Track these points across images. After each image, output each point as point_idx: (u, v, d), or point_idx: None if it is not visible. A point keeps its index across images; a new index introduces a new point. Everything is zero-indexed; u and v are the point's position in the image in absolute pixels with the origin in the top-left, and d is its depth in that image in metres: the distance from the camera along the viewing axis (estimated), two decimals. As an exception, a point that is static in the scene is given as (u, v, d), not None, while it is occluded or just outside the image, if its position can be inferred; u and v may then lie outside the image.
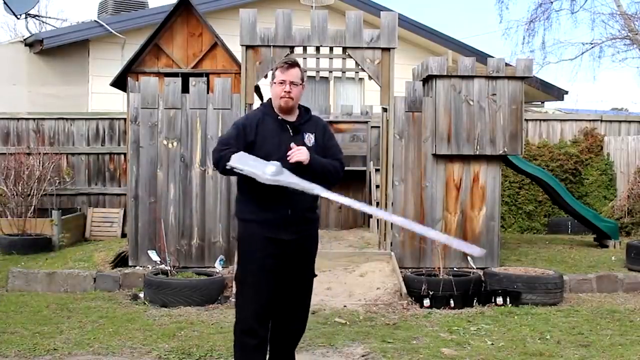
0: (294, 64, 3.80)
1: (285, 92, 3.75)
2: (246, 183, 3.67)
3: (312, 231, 3.94)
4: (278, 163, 3.56)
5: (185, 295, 6.35)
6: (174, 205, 7.53)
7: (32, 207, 9.13)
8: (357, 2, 12.57)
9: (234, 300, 4.53)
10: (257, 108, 3.96)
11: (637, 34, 13.09)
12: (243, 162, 3.55)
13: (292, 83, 3.76)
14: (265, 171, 3.51)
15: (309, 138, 3.82)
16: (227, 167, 3.59)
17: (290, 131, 3.78)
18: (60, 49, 11.77)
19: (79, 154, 10.26)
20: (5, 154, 9.70)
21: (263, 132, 3.75)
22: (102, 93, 11.26)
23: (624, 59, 14.12)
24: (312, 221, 3.93)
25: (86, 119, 10.38)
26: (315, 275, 4.02)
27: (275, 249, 3.73)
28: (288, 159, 3.64)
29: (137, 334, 5.34)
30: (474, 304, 6.48)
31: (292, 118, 3.83)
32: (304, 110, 3.93)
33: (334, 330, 5.50)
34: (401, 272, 6.96)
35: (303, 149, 3.69)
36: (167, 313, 6.06)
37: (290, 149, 3.69)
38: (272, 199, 3.69)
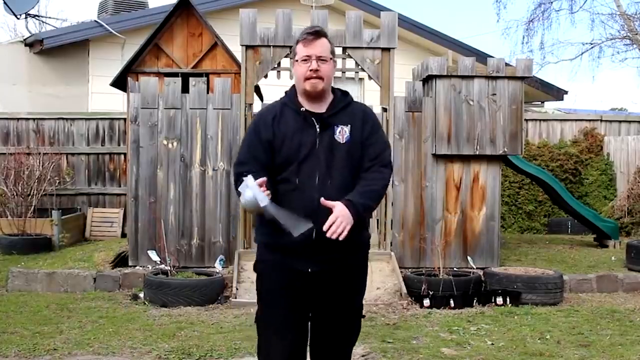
0: (319, 34, 2.92)
1: (311, 70, 2.87)
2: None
3: (353, 259, 3.00)
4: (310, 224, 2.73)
5: (185, 295, 6.35)
6: (174, 205, 7.53)
7: (32, 207, 9.13)
8: (357, 2, 12.56)
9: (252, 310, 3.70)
10: (274, 101, 3.10)
11: (636, 34, 13.09)
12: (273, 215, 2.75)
13: (319, 58, 2.89)
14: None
15: (342, 132, 2.91)
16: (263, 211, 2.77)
17: (317, 126, 2.89)
18: (60, 49, 11.76)
19: (79, 154, 10.26)
20: (5, 154, 9.70)
21: (281, 130, 2.91)
22: (102, 93, 11.25)
23: (624, 59, 14.12)
24: (353, 246, 2.94)
25: (86, 119, 10.38)
26: (363, 317, 3.15)
27: (295, 281, 2.92)
28: (328, 235, 2.75)
29: (137, 334, 5.34)
30: (474, 304, 6.48)
31: (322, 107, 2.94)
32: (341, 95, 3.03)
33: (334, 330, 5.49)
34: (401, 272, 6.96)
35: (340, 213, 2.75)
36: (167, 313, 6.06)
37: (314, 151, 2.84)
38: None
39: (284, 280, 2.92)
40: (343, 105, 2.98)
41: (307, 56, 2.89)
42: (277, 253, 2.92)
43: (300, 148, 2.86)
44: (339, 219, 2.74)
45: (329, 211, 2.75)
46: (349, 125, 2.93)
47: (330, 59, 2.95)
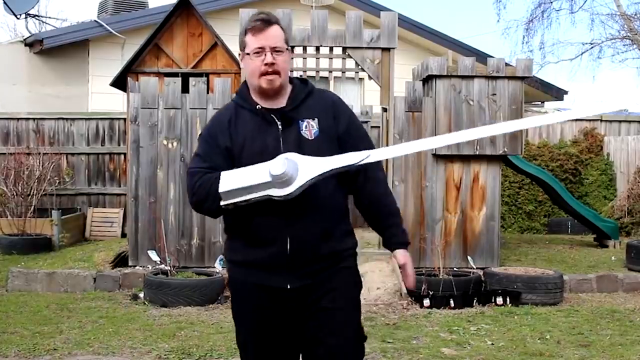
0: (270, 21, 2.50)
1: (266, 65, 2.45)
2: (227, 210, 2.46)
3: (338, 271, 2.54)
4: (281, 158, 2.32)
5: (185, 295, 6.35)
6: (174, 205, 7.53)
7: (32, 207, 9.13)
8: (357, 2, 12.56)
9: None
10: (226, 104, 2.68)
11: (636, 34, 13.09)
12: (235, 187, 2.34)
13: (274, 50, 2.47)
14: (273, 170, 2.29)
15: (309, 127, 2.50)
16: (225, 207, 2.39)
17: (279, 124, 2.49)
18: (60, 49, 11.76)
19: (79, 154, 10.26)
20: (5, 154, 9.70)
21: (239, 134, 2.50)
22: (102, 93, 11.24)
23: (624, 60, 14.11)
24: (335, 256, 2.53)
25: (86, 119, 10.38)
26: (365, 339, 2.68)
27: (275, 302, 2.50)
28: (409, 285, 2.70)
29: (137, 334, 5.34)
30: (474, 304, 6.47)
31: (282, 102, 2.53)
32: (300, 84, 2.59)
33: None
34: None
35: (406, 260, 2.70)
36: (167, 313, 6.06)
37: (279, 153, 2.38)
38: (262, 226, 2.44)
39: (262, 301, 2.49)
40: (304, 95, 2.56)
41: (260, 48, 2.46)
42: (250, 269, 2.50)
43: (262, 152, 2.43)
44: (410, 266, 2.71)
45: (304, 219, 2.42)
46: (316, 119, 2.52)
47: (286, 49, 2.52)
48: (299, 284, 2.46)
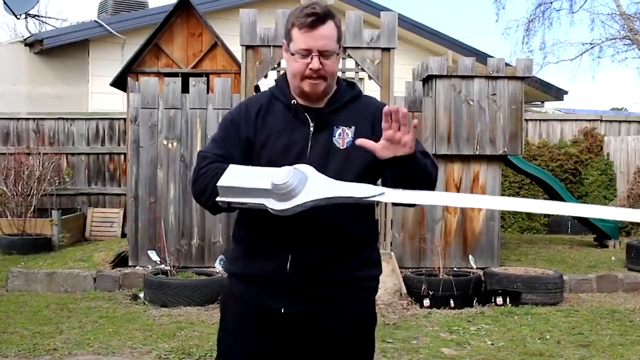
0: (323, 18, 2.13)
1: (311, 70, 2.14)
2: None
3: (348, 305, 2.20)
4: (291, 167, 2.01)
5: (185, 295, 6.35)
6: (174, 205, 7.53)
7: (32, 207, 9.13)
8: (357, 2, 12.55)
9: None
10: (262, 91, 2.40)
11: (636, 34, 13.09)
12: (234, 185, 2.07)
13: (322, 54, 2.14)
14: (275, 178, 1.99)
15: (343, 135, 2.19)
16: (220, 203, 2.10)
17: (312, 124, 2.19)
18: (60, 49, 11.76)
19: (79, 154, 10.27)
20: (5, 154, 9.70)
21: (266, 126, 2.22)
22: (102, 93, 11.25)
23: (624, 59, 14.13)
24: (346, 285, 2.20)
25: (86, 119, 10.38)
26: None
27: (266, 323, 2.20)
28: (399, 147, 2.01)
29: (137, 334, 5.34)
30: (474, 304, 6.47)
31: (321, 103, 2.24)
32: (346, 87, 2.29)
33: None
34: (401, 272, 6.96)
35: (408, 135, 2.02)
36: (167, 313, 6.06)
37: (303, 155, 2.14)
38: (265, 239, 2.17)
39: (253, 319, 2.20)
40: (348, 99, 2.25)
41: (307, 50, 2.13)
42: (249, 284, 2.21)
43: (286, 151, 2.16)
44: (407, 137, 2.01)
45: (309, 239, 2.12)
46: (353, 127, 2.20)
47: (338, 51, 2.19)
48: (294, 310, 2.15)
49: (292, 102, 2.22)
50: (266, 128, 2.22)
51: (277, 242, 2.14)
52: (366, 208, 2.23)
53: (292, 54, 2.16)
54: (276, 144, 2.18)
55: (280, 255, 2.13)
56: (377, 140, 2.05)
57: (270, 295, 2.17)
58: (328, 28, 2.13)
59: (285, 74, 2.28)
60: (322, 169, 2.08)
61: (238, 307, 2.25)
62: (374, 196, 2.01)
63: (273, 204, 1.99)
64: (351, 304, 2.19)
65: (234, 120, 2.28)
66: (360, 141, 2.07)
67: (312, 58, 2.13)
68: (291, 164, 2.03)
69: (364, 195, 2.02)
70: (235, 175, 2.07)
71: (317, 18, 2.11)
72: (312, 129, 2.19)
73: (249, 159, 2.19)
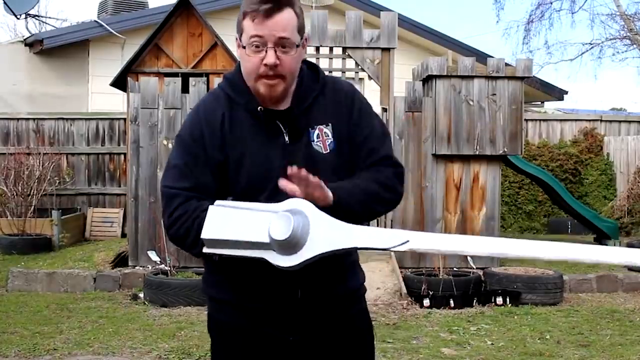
0: (280, 2, 1.78)
1: (266, 66, 1.80)
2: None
3: (352, 317, 2.02)
4: (286, 215, 1.67)
5: (185, 295, 6.35)
6: (174, 205, 7.52)
7: (32, 207, 9.13)
8: (357, 2, 12.56)
9: None
10: (213, 90, 1.98)
11: (636, 34, 13.09)
12: (222, 238, 1.74)
13: (279, 45, 1.79)
14: (274, 232, 1.66)
15: (322, 136, 1.90)
16: (208, 254, 1.78)
17: (286, 133, 1.88)
18: (60, 49, 11.76)
19: (79, 154, 10.27)
20: (5, 154, 9.71)
21: (236, 141, 1.87)
22: (102, 93, 11.24)
23: (624, 59, 14.13)
24: (351, 296, 2.02)
25: (86, 119, 10.39)
26: None
27: (271, 354, 1.95)
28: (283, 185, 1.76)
29: (137, 334, 5.34)
30: (474, 304, 6.47)
31: (287, 102, 1.90)
32: (309, 75, 1.94)
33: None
34: (401, 272, 6.96)
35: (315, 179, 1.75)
36: (167, 313, 6.06)
37: (286, 175, 1.74)
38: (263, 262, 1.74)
39: (255, 352, 1.93)
40: (317, 92, 1.91)
41: (260, 38, 1.78)
42: (240, 311, 1.91)
43: (266, 172, 1.84)
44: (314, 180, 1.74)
45: (317, 272, 1.82)
46: (330, 124, 1.90)
47: (299, 42, 1.83)
48: (301, 335, 1.91)
49: (259, 108, 1.85)
50: (237, 146, 1.86)
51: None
52: None
53: (244, 47, 1.81)
54: (254, 167, 1.85)
55: (288, 278, 1.80)
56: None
57: (273, 322, 1.90)
58: (286, 15, 1.78)
59: (238, 66, 1.91)
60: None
61: (234, 337, 1.96)
62: (397, 246, 1.71)
63: (277, 260, 1.69)
64: (357, 312, 2.04)
65: (194, 136, 1.87)
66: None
67: (266, 50, 1.78)
68: (274, 187, 1.77)
69: (386, 245, 1.72)
70: (221, 223, 1.73)
71: (273, 4, 1.76)
72: (287, 138, 1.87)
73: (223, 184, 1.86)
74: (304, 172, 1.71)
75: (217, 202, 1.77)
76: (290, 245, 1.67)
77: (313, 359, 1.95)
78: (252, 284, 1.87)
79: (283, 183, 1.73)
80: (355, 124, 1.93)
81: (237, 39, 1.85)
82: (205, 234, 1.73)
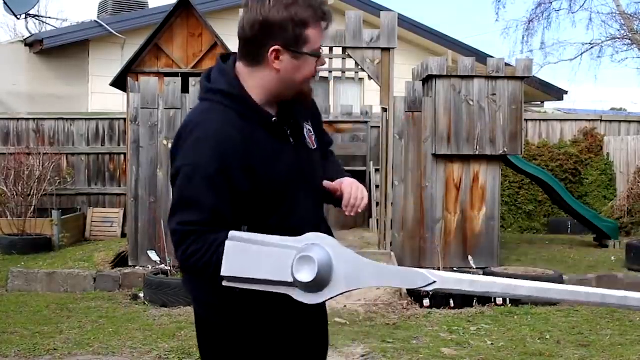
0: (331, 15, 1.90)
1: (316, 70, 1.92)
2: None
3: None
4: (313, 260, 1.64)
5: (185, 295, 6.34)
6: (174, 205, 7.52)
7: (32, 207, 9.13)
8: (357, 2, 12.56)
9: None
10: (213, 108, 1.86)
11: (636, 34, 13.09)
12: (243, 276, 1.71)
13: None
14: (299, 275, 1.65)
15: (309, 134, 2.00)
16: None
17: (290, 136, 1.93)
18: (60, 49, 11.76)
19: (79, 154, 10.27)
20: (5, 154, 9.71)
21: (262, 163, 1.83)
22: (102, 93, 11.25)
23: (624, 59, 14.13)
24: None
25: (86, 119, 10.39)
26: None
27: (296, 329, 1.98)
28: (349, 211, 1.96)
29: (137, 334, 5.34)
30: (474, 303, 6.47)
31: (275, 105, 1.93)
32: None
33: (334, 330, 5.49)
34: (401, 272, 6.94)
35: (352, 181, 2.00)
36: (167, 313, 6.06)
37: (304, 176, 1.91)
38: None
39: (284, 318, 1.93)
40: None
41: (320, 49, 1.88)
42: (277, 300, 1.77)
43: (289, 182, 1.88)
44: (356, 187, 1.95)
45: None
46: (309, 119, 2.01)
47: None
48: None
49: (273, 119, 1.87)
50: (266, 173, 1.83)
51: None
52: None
53: (307, 55, 1.84)
54: (275, 186, 1.84)
55: None
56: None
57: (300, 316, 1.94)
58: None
59: (236, 79, 1.87)
60: (314, 180, 1.95)
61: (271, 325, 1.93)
62: (426, 285, 1.67)
63: (301, 297, 1.69)
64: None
65: (222, 166, 1.76)
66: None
67: (322, 57, 1.91)
68: (294, 192, 1.86)
69: (417, 286, 1.68)
70: (240, 260, 1.69)
71: (330, 21, 1.89)
72: (292, 140, 1.92)
73: (245, 208, 1.82)
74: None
75: (232, 234, 1.71)
76: (314, 286, 1.66)
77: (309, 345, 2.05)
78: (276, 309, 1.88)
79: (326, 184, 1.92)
80: (316, 115, 2.05)
81: (283, 46, 1.82)
82: (225, 271, 1.70)
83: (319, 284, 1.65)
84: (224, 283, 1.72)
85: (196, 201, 1.76)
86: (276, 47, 1.81)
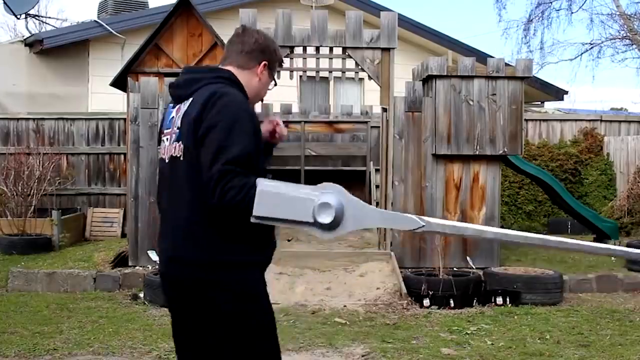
0: None
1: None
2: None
3: None
4: (332, 203, 2.12)
5: (185, 295, 6.34)
6: (174, 205, 7.52)
7: (32, 207, 9.12)
8: (357, 2, 12.57)
9: None
10: (234, 91, 2.38)
11: (636, 34, 13.10)
12: (272, 216, 2.14)
13: None
14: (320, 217, 2.12)
15: None
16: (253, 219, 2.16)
17: None
18: (60, 49, 11.76)
19: (79, 154, 10.26)
20: (5, 154, 9.70)
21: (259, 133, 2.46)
22: (102, 93, 11.25)
23: (624, 59, 14.13)
24: None
25: (86, 119, 10.38)
26: None
27: None
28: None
29: (137, 334, 5.34)
30: (474, 304, 6.47)
31: None
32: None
33: (334, 330, 5.50)
34: (401, 272, 6.96)
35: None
36: (167, 313, 6.03)
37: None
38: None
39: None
40: None
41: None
42: (265, 267, 2.44)
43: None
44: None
45: None
46: None
47: None
48: None
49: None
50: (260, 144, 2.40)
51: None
52: None
53: (276, 72, 2.59)
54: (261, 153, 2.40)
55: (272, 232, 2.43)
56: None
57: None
58: None
59: (237, 80, 2.44)
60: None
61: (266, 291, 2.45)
62: (419, 228, 2.20)
63: (320, 234, 2.14)
64: None
65: (258, 127, 2.37)
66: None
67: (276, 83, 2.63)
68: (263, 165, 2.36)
69: (411, 227, 2.21)
70: (270, 203, 2.12)
71: None
72: None
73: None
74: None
75: (262, 182, 2.14)
76: (331, 226, 2.12)
77: None
78: (264, 240, 2.38)
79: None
80: None
81: (268, 65, 2.51)
82: (257, 211, 2.12)
83: (335, 224, 2.11)
84: (253, 220, 2.13)
85: (251, 152, 2.22)
86: (265, 62, 2.49)
